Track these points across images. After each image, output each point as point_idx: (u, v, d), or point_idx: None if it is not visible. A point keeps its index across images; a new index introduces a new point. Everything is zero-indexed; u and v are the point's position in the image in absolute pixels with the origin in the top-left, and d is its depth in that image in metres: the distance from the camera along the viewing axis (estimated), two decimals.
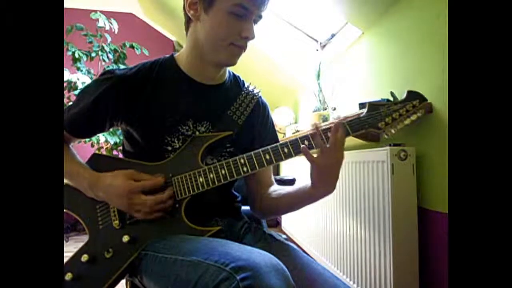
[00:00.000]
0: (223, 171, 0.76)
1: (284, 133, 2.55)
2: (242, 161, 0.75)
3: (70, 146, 0.91)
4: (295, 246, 0.80)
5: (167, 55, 0.87)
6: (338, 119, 0.71)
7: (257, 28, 0.79)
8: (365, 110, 0.75)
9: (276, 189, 0.88)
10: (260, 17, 0.78)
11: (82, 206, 0.82)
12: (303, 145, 0.72)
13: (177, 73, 0.83)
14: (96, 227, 0.80)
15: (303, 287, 0.65)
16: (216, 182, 0.76)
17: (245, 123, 0.86)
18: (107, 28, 2.69)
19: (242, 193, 0.96)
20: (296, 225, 2.32)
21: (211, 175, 0.76)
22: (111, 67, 2.79)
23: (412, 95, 0.75)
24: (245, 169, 0.75)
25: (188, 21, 0.80)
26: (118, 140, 2.61)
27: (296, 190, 0.80)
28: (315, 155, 0.71)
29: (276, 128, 0.97)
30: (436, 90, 1.12)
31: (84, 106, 0.81)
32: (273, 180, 0.92)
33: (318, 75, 1.94)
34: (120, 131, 0.87)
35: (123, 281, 0.79)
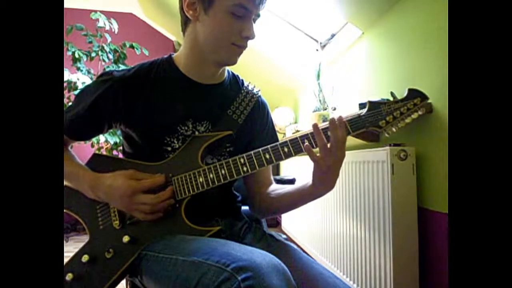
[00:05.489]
0: (223, 171, 0.76)
1: (284, 133, 2.54)
2: (242, 160, 0.75)
3: (69, 148, 0.91)
4: (295, 246, 0.80)
5: (165, 56, 0.87)
6: (337, 118, 0.70)
7: (256, 27, 0.79)
8: (365, 109, 0.75)
9: (275, 188, 0.87)
10: (259, 16, 0.79)
11: (82, 206, 0.82)
12: (306, 144, 0.72)
13: (176, 73, 0.83)
14: (96, 227, 0.80)
15: (303, 287, 0.65)
16: (216, 182, 0.76)
17: (245, 122, 0.86)
18: (107, 28, 2.69)
19: (242, 193, 0.96)
20: (296, 225, 2.32)
21: (211, 175, 0.76)
22: (111, 67, 2.79)
23: (413, 93, 0.74)
24: (245, 168, 0.75)
25: (186, 22, 0.80)
26: (118, 140, 2.61)
27: (296, 189, 0.80)
28: (317, 154, 0.71)
29: (276, 128, 0.97)
30: (436, 90, 1.12)
31: (82, 108, 0.81)
32: (272, 179, 0.92)
33: (318, 75, 1.94)
34: (120, 131, 0.87)
35: (123, 281, 0.79)
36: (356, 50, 1.76)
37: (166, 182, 0.77)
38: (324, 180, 0.72)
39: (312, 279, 0.68)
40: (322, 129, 0.71)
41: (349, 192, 1.44)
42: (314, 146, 0.72)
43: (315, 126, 0.70)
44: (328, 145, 0.69)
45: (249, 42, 0.79)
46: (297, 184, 0.80)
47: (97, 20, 2.60)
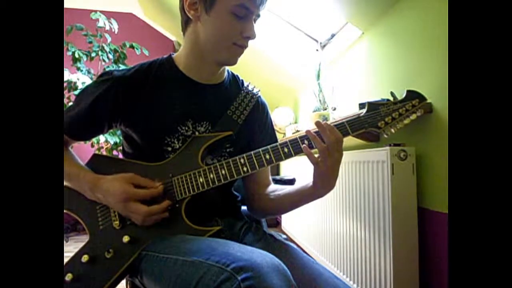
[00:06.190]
0: (223, 171, 0.76)
1: (284, 133, 2.54)
2: (242, 161, 0.76)
3: (69, 148, 0.91)
4: (295, 246, 0.80)
5: (165, 56, 0.87)
6: (329, 121, 0.71)
7: (256, 27, 0.79)
8: (364, 110, 0.75)
9: (274, 189, 0.88)
10: (259, 16, 0.79)
11: (82, 206, 0.81)
12: (304, 145, 0.72)
13: (176, 73, 0.83)
14: (96, 228, 0.80)
15: (303, 287, 0.65)
16: (216, 182, 0.76)
17: (245, 122, 0.86)
18: (107, 28, 2.69)
19: (242, 193, 0.96)
20: (296, 225, 2.32)
21: (211, 175, 0.76)
22: (111, 67, 2.79)
23: (412, 95, 0.75)
24: (245, 169, 0.75)
25: (186, 21, 0.80)
26: (118, 140, 2.61)
27: (296, 191, 0.80)
28: (316, 155, 0.71)
29: (276, 128, 0.97)
30: (436, 90, 1.12)
31: (82, 108, 0.81)
32: (271, 180, 0.92)
33: (318, 75, 1.94)
34: (120, 131, 0.87)
35: (123, 281, 0.79)
36: (356, 50, 1.76)
37: (166, 188, 0.77)
38: (324, 181, 0.73)
39: (312, 279, 0.68)
40: (315, 132, 0.71)
41: (349, 192, 1.44)
42: (314, 146, 0.72)
43: (308, 132, 0.71)
44: (326, 146, 0.70)
45: (250, 42, 0.79)
46: (297, 185, 0.80)
47: (97, 20, 2.61)
